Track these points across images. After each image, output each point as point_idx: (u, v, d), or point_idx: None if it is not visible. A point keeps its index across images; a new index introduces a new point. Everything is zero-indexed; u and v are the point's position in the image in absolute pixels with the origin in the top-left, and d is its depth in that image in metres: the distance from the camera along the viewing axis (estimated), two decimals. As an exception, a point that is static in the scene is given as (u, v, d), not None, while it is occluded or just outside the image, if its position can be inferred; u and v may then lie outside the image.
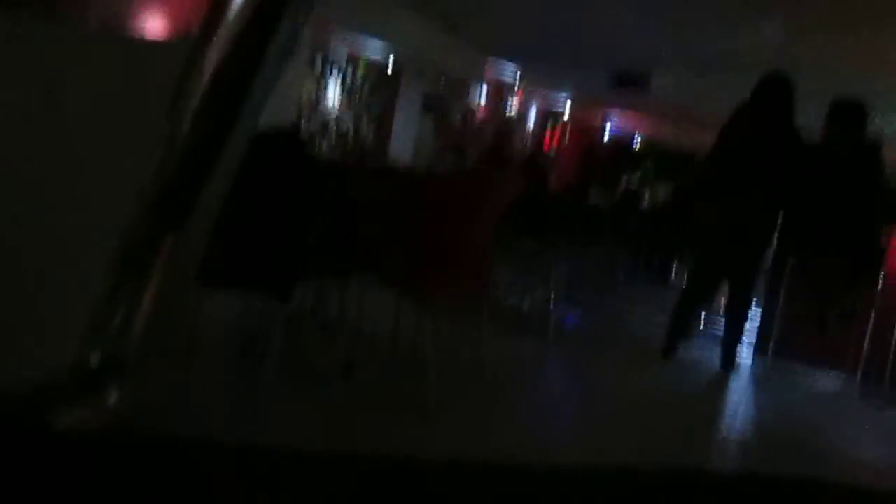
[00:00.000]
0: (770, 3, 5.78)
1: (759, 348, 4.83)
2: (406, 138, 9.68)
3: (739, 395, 4.01)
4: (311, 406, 2.59)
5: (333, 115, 8.90)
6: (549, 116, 14.08)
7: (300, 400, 2.63)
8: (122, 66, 0.84)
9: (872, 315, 4.25)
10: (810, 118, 4.29)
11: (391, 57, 9.01)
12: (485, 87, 11.35)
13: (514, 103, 12.43)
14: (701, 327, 5.26)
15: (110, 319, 0.43)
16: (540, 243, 4.68)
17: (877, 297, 4.28)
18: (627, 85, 9.35)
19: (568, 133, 15.05)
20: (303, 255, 2.95)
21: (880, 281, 4.27)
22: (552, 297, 4.50)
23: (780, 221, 4.43)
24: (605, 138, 16.32)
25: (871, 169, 4.33)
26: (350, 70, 8.97)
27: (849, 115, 4.41)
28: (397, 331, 3.44)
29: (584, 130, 15.85)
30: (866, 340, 4.22)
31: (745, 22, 6.19)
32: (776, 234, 4.51)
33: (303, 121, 8.29)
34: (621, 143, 16.64)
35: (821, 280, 4.38)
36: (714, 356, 4.46)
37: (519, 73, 11.15)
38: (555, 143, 14.46)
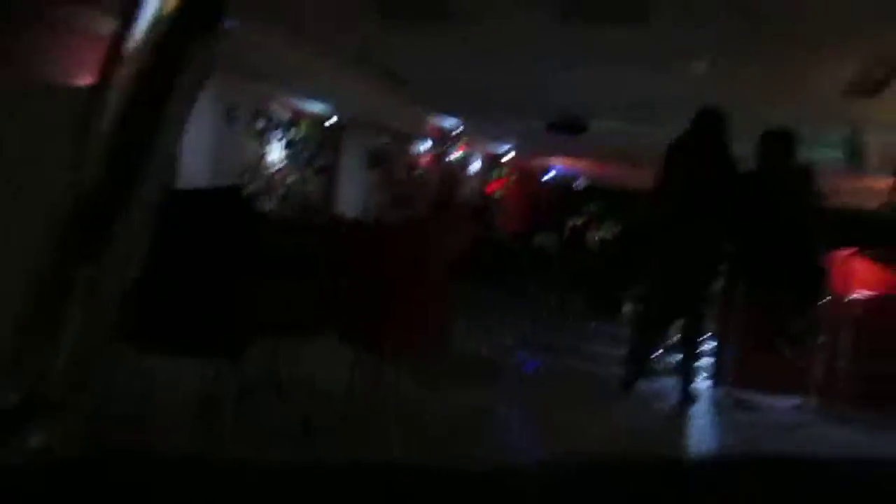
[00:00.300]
0: (696, 45, 6.02)
1: (717, 377, 4.87)
2: (352, 192, 9.69)
3: (701, 424, 4.02)
4: (267, 465, 2.50)
5: (278, 173, 8.87)
6: (493, 164, 14.28)
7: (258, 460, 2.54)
8: (39, 112, 0.82)
9: (822, 335, 4.33)
10: (742, 150, 4.43)
11: (334, 114, 9.07)
12: (429, 140, 11.47)
13: (458, 154, 12.58)
14: (659, 359, 5.29)
15: (28, 360, 0.40)
16: (493, 288, 4.69)
17: (824, 317, 4.37)
18: (567, 131, 9.57)
19: (513, 179, 15.27)
20: (252, 314, 2.88)
21: (827, 301, 4.37)
22: (509, 340, 4.50)
23: (725, 250, 4.53)
24: (550, 183, 16.61)
25: (807, 193, 4.48)
26: (293, 128, 8.99)
27: (781, 144, 4.57)
28: (354, 385, 3.37)
29: (529, 176, 16.11)
30: (819, 361, 4.29)
31: (674, 64, 6.42)
32: (723, 263, 4.60)
33: (247, 179, 8.24)
34: (565, 186, 16.95)
35: (770, 305, 4.47)
36: (673, 387, 4.48)
37: (462, 124, 11.31)
38: (501, 189, 14.64)
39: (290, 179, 9.06)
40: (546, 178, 16.06)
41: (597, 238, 11.77)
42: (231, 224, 2.83)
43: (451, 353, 3.73)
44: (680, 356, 4.63)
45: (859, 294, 4.34)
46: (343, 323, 2.92)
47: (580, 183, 16.96)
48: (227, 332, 2.69)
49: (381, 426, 2.70)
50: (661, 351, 5.35)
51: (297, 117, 9.05)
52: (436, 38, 6.50)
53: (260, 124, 8.48)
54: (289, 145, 8.99)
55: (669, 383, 4.66)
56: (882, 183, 7.68)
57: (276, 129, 8.76)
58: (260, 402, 3.20)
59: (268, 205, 8.61)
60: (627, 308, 8.31)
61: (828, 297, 4.38)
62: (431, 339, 3.20)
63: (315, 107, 8.84)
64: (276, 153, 8.81)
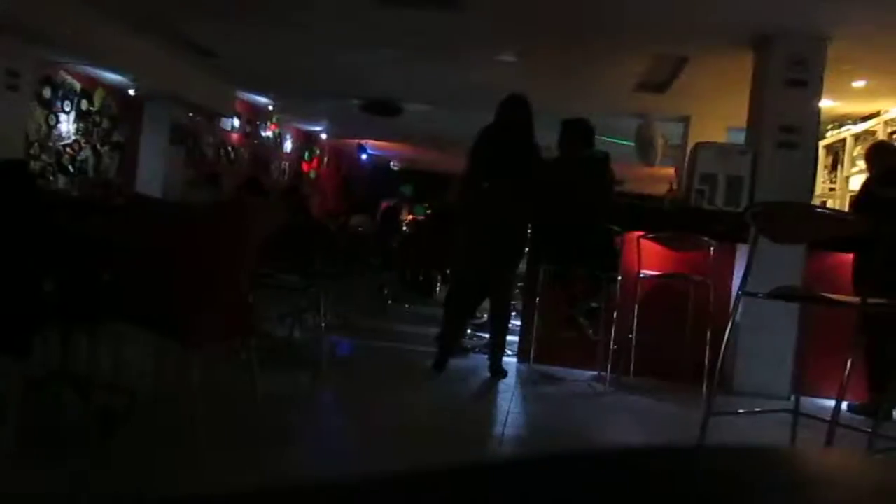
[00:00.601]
0: (505, 40, 6.27)
1: (521, 353, 5.13)
2: (154, 170, 9.11)
3: (508, 398, 4.22)
4: (66, 469, 2.32)
5: (69, 146, 8.13)
6: (306, 145, 14.03)
7: (54, 465, 2.35)
8: None
9: (615, 313, 4.69)
10: (545, 137, 4.68)
11: (133, 85, 8.45)
12: (238, 118, 11.05)
13: (269, 132, 12.23)
14: (470, 339, 5.49)
15: None
16: (306, 272, 4.61)
17: (616, 296, 4.73)
18: (381, 113, 9.60)
19: (326, 161, 15.10)
20: (40, 303, 2.64)
21: (618, 280, 4.73)
22: (323, 324, 4.46)
23: (528, 231, 4.77)
24: (363, 165, 16.61)
25: (601, 179, 4.82)
26: (85, 99, 8.27)
27: (579, 133, 4.88)
28: (161, 375, 3.20)
29: (342, 158, 16.01)
30: (612, 336, 4.64)
31: (484, 53, 6.64)
32: (526, 243, 4.84)
33: (33, 152, 7.50)
34: (378, 168, 17.05)
35: (568, 283, 4.78)
36: (483, 365, 4.67)
37: (273, 103, 10.98)
38: (314, 171, 14.43)
39: (83, 154, 8.36)
40: (360, 159, 16.05)
41: (409, 219, 11.98)
42: (13, 203, 2.57)
43: (263, 338, 3.64)
44: (489, 334, 4.83)
45: (645, 273, 4.75)
46: (145, 311, 2.75)
47: (395, 164, 17.13)
48: (11, 323, 2.45)
49: (187, 416, 2.59)
50: (470, 330, 5.57)
51: (90, 87, 8.35)
52: (248, 14, 6.27)
53: (47, 92, 7.73)
54: (81, 117, 8.28)
55: (480, 360, 4.86)
56: (665, 171, 8.44)
57: (67, 98, 8.03)
58: (54, 397, 2.95)
59: (57, 182, 7.89)
60: (440, 287, 8.54)
61: (619, 276, 4.74)
62: (239, 324, 3.10)
63: (112, 77, 8.19)
64: (66, 125, 8.09)
